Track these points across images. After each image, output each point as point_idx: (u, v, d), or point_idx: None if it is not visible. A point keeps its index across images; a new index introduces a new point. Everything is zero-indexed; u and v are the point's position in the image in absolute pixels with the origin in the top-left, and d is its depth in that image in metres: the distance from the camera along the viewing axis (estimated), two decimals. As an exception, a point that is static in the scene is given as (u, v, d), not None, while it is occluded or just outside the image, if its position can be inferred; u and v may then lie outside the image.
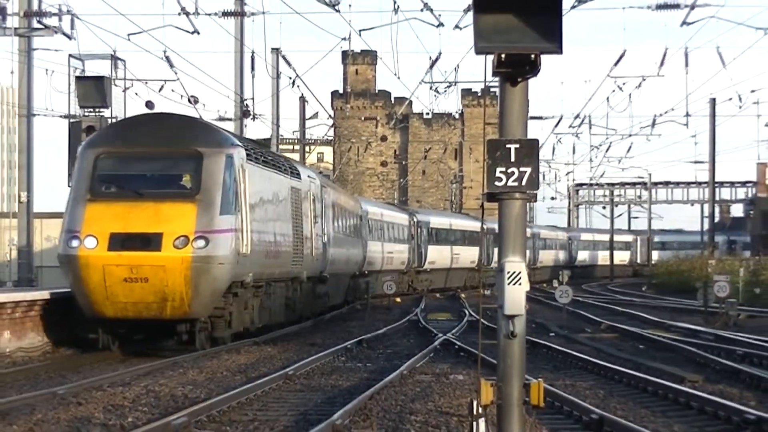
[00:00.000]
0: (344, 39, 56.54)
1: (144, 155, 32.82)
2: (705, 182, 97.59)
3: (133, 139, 32.90)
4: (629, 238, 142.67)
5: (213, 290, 30.97)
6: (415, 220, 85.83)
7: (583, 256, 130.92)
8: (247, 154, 33.25)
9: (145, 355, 31.01)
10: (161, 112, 42.05)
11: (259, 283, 34.32)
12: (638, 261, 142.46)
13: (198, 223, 30.76)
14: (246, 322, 33.94)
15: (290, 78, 63.98)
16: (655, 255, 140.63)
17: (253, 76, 56.52)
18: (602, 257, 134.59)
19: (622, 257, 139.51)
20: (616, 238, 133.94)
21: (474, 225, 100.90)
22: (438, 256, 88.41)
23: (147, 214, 31.18)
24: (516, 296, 11.17)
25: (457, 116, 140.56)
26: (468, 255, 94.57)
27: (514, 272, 11.16)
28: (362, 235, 64.62)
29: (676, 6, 42.01)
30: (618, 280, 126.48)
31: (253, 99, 56.86)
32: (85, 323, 31.82)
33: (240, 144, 33.54)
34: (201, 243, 30.30)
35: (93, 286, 30.29)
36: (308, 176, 43.52)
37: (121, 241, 30.57)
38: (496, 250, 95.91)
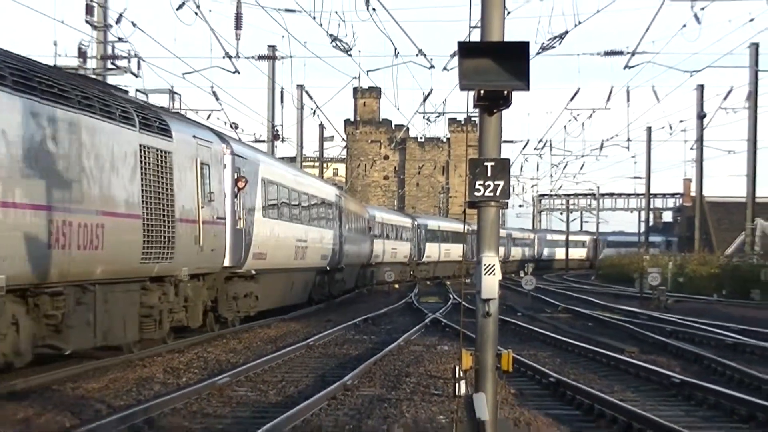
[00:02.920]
0: (355, 78, 56.54)
1: None
2: (642, 194, 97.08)
3: None
4: (531, 235, 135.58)
5: None
6: None
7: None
8: None
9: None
10: None
11: (49, 288, 16.50)
12: (534, 256, 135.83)
13: None
14: None
15: (312, 109, 63.87)
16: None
17: (282, 107, 56.62)
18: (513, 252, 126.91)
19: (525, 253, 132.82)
20: (517, 235, 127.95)
21: (405, 221, 74.58)
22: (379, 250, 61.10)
23: None
24: (491, 284, 11.19)
25: (444, 140, 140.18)
26: (402, 250, 68.53)
27: (490, 264, 11.20)
28: (340, 227, 45.43)
29: (620, 53, 42.04)
30: (571, 271, 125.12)
31: (282, 125, 56.95)
32: None
33: None
34: None
35: None
36: (195, 137, 22.89)
37: None
38: (428, 245, 73.41)
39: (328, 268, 42.25)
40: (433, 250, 76.42)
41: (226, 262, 24.51)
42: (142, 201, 19.11)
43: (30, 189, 15.77)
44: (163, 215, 19.98)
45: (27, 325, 15.78)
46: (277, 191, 31.43)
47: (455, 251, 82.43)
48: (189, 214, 21.51)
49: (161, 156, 20.11)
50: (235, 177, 25.05)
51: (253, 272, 27.79)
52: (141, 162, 19.14)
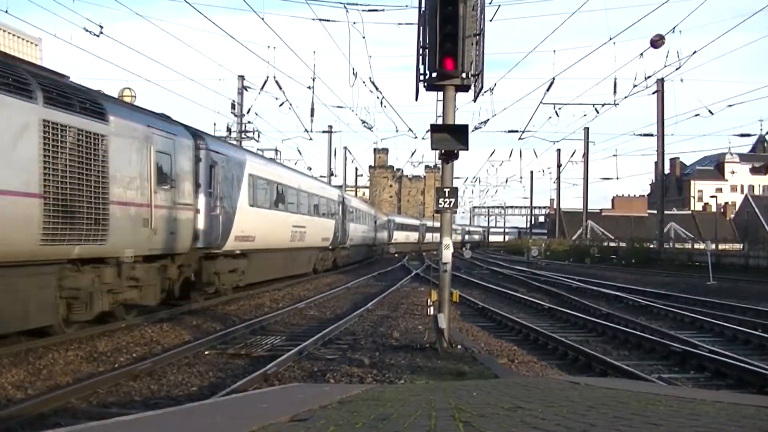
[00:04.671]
0: (375, 143, 57.44)
1: None
2: (528, 206, 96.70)
3: None
4: (467, 228, 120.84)
5: None
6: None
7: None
8: None
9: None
10: None
11: None
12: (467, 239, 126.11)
13: None
14: None
15: (352, 160, 64.61)
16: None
17: (335, 158, 56.87)
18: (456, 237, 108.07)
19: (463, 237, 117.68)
20: (458, 228, 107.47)
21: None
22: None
23: None
24: (447, 254, 11.09)
25: (422, 177, 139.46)
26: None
27: (446, 244, 11.08)
28: (344, 218, 33.99)
29: (516, 131, 41.73)
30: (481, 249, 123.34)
31: (335, 168, 57.11)
32: None
33: None
34: None
35: None
36: (150, 127, 13.17)
37: None
38: (395, 232, 50.39)
39: (330, 247, 31.35)
40: (398, 236, 65.36)
41: (199, 244, 15.31)
42: (44, 179, 9.87)
43: None
44: (87, 196, 10.96)
45: None
46: (271, 187, 21.14)
47: (412, 236, 73.03)
48: (134, 197, 12.31)
49: (88, 137, 10.93)
50: (211, 170, 15.77)
51: (238, 252, 18.15)
52: (45, 138, 9.92)
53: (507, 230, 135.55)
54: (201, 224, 15.51)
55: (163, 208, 13.57)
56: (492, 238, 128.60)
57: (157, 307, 14.35)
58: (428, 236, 77.19)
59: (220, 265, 17.36)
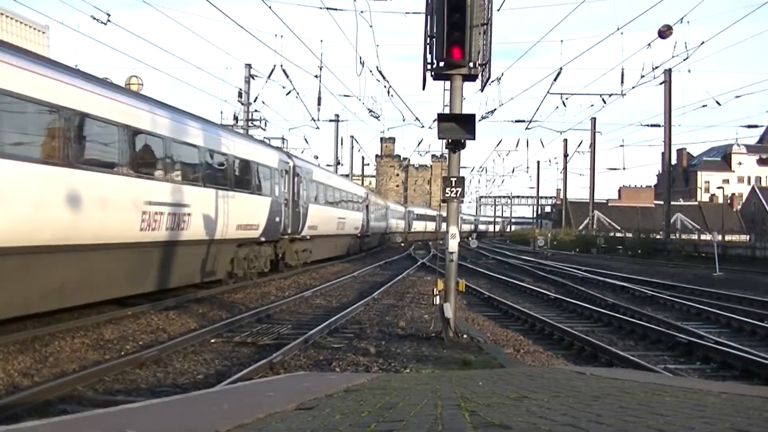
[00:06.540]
0: (382, 132, 57.21)
1: None
2: (534, 196, 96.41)
3: None
4: (473, 218, 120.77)
5: None
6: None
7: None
8: None
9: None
10: None
11: None
12: (475, 229, 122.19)
13: None
14: None
15: (359, 149, 64.44)
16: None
17: (341, 147, 56.57)
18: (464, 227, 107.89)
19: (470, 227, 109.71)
20: (465, 218, 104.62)
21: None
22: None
23: None
24: (453, 243, 11.08)
25: (429, 166, 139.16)
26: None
27: (453, 233, 11.06)
28: (296, 196, 22.29)
29: (523, 121, 41.73)
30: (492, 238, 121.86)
31: (342, 157, 56.83)
32: None
33: None
34: None
35: None
36: None
37: None
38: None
39: (263, 239, 19.47)
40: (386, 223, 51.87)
41: None
42: None
43: None
44: None
45: None
46: (66, 121, 9.80)
47: (399, 225, 61.31)
48: None
49: None
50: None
51: None
52: None
53: (497, 220, 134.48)
54: None
55: None
56: (485, 228, 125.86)
57: (163, 294, 14.35)
58: (416, 225, 70.79)
59: None
